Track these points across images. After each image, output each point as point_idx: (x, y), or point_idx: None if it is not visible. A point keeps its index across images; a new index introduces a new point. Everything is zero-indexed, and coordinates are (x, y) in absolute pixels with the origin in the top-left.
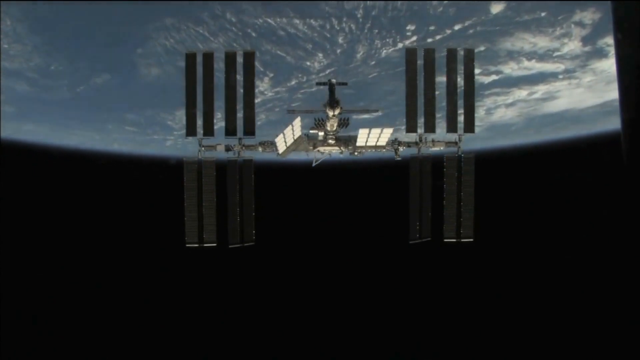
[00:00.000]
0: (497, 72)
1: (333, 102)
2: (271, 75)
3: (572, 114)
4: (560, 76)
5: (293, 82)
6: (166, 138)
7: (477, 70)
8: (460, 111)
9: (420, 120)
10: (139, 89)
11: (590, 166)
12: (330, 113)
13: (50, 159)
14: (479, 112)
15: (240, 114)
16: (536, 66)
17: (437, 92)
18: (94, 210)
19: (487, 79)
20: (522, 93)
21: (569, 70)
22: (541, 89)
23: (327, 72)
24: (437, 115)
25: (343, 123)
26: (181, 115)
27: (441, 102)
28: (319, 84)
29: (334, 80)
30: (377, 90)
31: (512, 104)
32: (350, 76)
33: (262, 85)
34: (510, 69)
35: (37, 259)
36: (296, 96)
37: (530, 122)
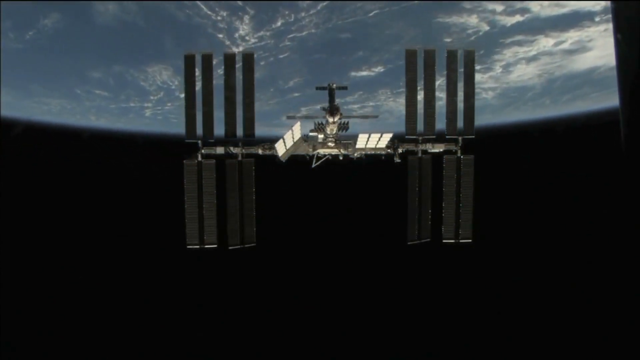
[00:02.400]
0: (523, 11)
1: (333, 109)
2: (252, 12)
3: (601, 74)
4: (597, 18)
5: (279, 24)
6: (144, 106)
7: (499, 8)
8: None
9: (420, 121)
10: (97, 34)
11: (599, 155)
12: (331, 120)
13: (26, 137)
14: (496, 70)
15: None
16: (570, 3)
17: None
18: (83, 207)
19: (510, 20)
20: (548, 42)
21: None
22: (572, 37)
23: (318, 9)
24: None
25: (343, 127)
26: (154, 72)
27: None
28: (318, 88)
29: (334, 85)
30: (378, 35)
31: (534, 58)
32: (347, 14)
33: (243, 28)
34: (540, 5)
35: (32, 257)
36: (284, 44)
37: (550, 85)
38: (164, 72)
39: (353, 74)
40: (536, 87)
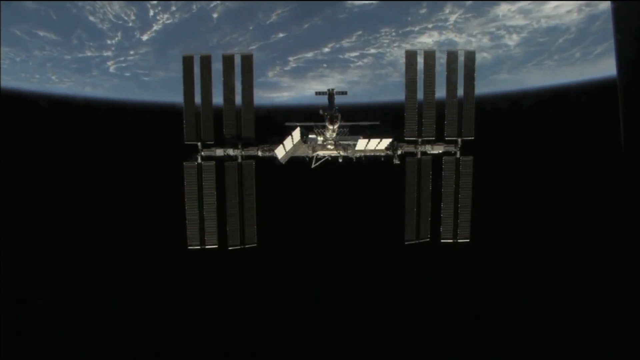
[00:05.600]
0: None
1: (333, 117)
2: None
3: None
4: None
5: None
6: (104, 56)
7: None
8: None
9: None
10: None
11: (602, 148)
12: (330, 127)
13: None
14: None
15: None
16: None
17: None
18: (81, 207)
19: None
20: None
21: None
22: None
23: None
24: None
25: (342, 132)
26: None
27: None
28: (318, 93)
29: (334, 90)
30: None
31: None
32: None
33: None
34: None
35: (30, 258)
36: None
37: (588, 26)
38: (114, 1)
39: (350, 2)
40: (571, 29)
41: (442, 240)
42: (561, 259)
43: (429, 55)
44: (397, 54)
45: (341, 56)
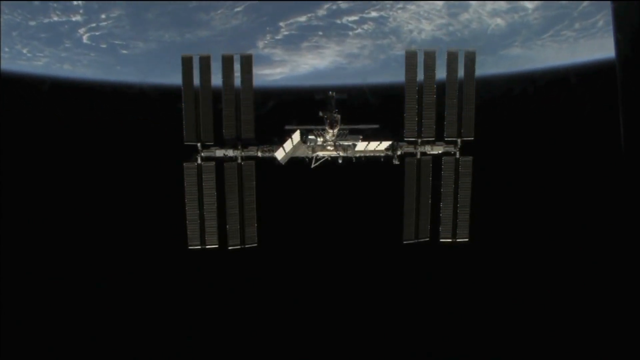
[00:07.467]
0: None
1: (333, 122)
2: None
3: None
4: None
5: None
6: (73, 21)
7: None
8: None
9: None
10: None
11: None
12: (330, 131)
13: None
14: None
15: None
16: None
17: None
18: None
19: None
20: None
21: None
22: None
23: None
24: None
25: (342, 133)
26: None
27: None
28: (317, 97)
29: (333, 94)
30: None
31: None
32: None
33: None
34: None
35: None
36: None
37: None
38: None
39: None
40: None
41: (441, 240)
42: (561, 258)
43: (429, 56)
44: (401, 17)
45: (338, 21)
